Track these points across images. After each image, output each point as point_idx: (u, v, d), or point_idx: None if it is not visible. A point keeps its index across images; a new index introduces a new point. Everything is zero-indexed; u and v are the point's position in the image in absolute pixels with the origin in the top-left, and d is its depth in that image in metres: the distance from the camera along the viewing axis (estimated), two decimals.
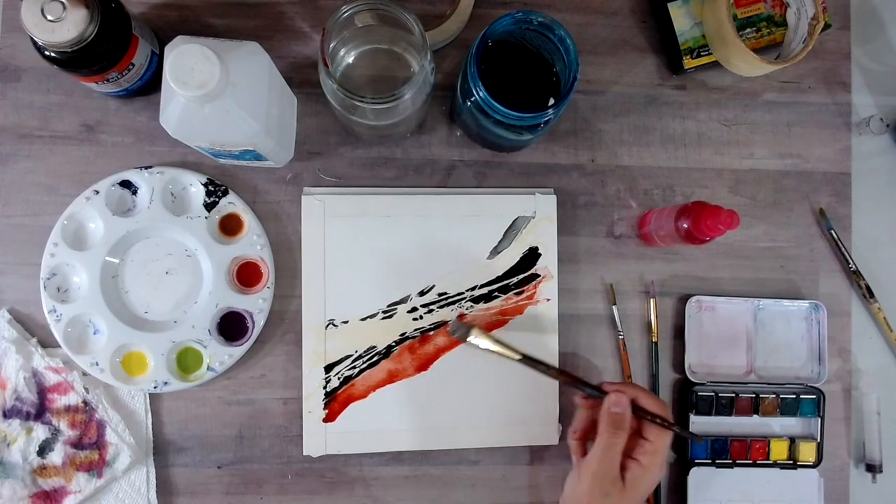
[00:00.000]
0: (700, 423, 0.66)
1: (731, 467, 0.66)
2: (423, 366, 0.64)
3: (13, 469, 0.60)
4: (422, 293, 0.64)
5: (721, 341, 0.67)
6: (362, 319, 0.63)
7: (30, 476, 0.60)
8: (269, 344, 0.64)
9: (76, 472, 0.61)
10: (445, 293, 0.64)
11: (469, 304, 0.64)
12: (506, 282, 0.65)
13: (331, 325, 0.63)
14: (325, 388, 0.63)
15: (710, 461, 0.66)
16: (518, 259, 0.65)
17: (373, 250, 0.64)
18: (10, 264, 0.63)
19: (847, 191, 0.70)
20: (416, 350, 0.64)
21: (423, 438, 0.64)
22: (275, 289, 0.63)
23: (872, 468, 0.68)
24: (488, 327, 0.64)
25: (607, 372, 0.67)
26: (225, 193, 0.63)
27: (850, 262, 0.68)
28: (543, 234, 0.65)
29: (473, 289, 0.65)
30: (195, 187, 0.63)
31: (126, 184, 0.62)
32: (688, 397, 0.65)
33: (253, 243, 0.63)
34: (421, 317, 0.64)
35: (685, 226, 0.58)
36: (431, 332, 0.64)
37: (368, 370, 0.63)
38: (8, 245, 0.63)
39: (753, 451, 0.66)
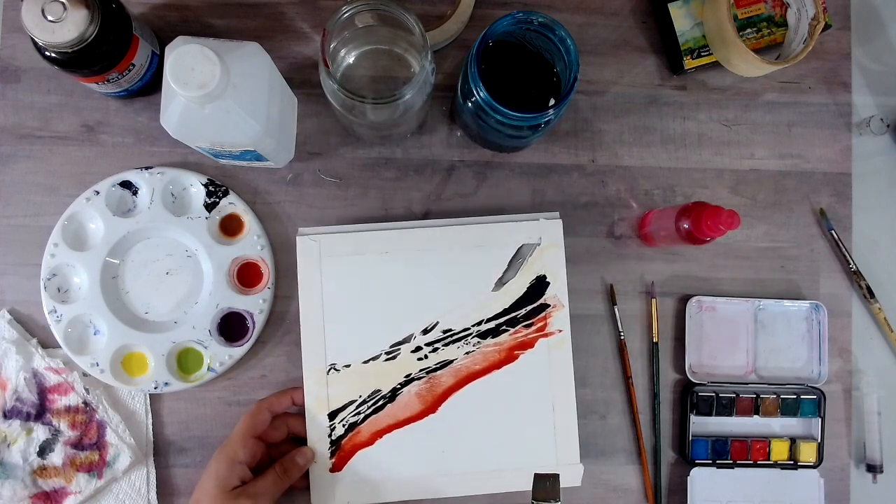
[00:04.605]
0: (700, 424, 0.66)
1: (732, 468, 0.66)
2: (430, 408, 0.61)
3: (13, 470, 0.60)
4: (425, 331, 0.61)
5: (721, 342, 0.67)
6: (365, 362, 0.60)
7: (30, 477, 0.60)
8: (270, 344, 0.64)
9: (76, 472, 0.61)
10: (450, 329, 0.61)
11: (476, 339, 0.61)
12: (513, 314, 0.61)
13: (332, 370, 0.60)
14: (329, 436, 0.60)
15: (710, 461, 0.66)
16: (525, 289, 0.61)
17: (372, 289, 0.61)
18: (10, 265, 0.63)
19: (847, 191, 0.70)
20: (423, 392, 0.61)
21: (437, 486, 0.61)
22: (275, 289, 0.63)
23: (873, 468, 0.68)
24: (497, 364, 0.61)
25: (608, 372, 0.67)
26: (225, 194, 0.63)
27: (851, 262, 0.68)
28: (551, 261, 0.62)
29: (480, 323, 0.61)
30: (195, 188, 0.63)
31: (126, 184, 0.62)
32: (688, 398, 0.65)
33: (253, 244, 0.63)
34: (426, 356, 0.61)
35: (686, 226, 0.58)
36: (437, 372, 0.61)
37: (374, 415, 0.60)
38: (8, 245, 0.63)
39: (754, 451, 0.66)
